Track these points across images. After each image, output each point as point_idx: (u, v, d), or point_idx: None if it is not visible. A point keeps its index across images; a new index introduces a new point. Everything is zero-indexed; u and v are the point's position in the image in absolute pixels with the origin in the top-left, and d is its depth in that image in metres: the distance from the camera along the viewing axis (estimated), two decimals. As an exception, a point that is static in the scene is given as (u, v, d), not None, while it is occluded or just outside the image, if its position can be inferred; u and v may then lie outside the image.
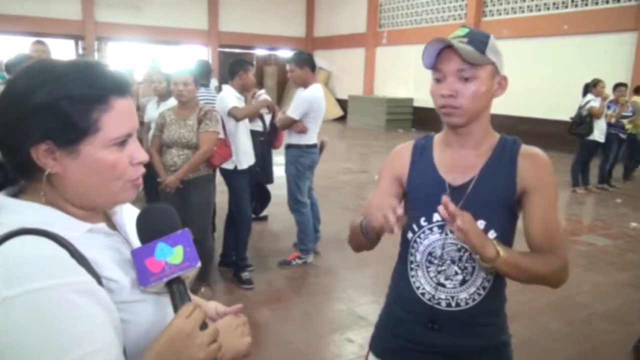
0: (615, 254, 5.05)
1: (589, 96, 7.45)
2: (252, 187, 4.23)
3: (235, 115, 3.88)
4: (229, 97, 3.93)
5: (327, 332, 3.31)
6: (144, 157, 0.87)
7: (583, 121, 7.42)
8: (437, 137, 1.40)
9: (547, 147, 8.28)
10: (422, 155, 1.38)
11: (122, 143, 0.83)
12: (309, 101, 4.13)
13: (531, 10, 12.17)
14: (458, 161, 1.31)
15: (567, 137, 8.00)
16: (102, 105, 0.80)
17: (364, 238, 1.31)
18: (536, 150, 1.31)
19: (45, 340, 0.69)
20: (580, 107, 7.50)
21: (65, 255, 0.75)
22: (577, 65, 10.87)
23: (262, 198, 4.41)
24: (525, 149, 1.31)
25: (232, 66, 4.07)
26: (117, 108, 0.82)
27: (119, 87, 0.83)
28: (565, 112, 8.26)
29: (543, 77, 11.72)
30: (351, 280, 4.12)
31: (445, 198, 1.13)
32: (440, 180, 1.31)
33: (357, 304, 3.63)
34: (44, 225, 0.77)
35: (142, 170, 0.89)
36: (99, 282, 0.78)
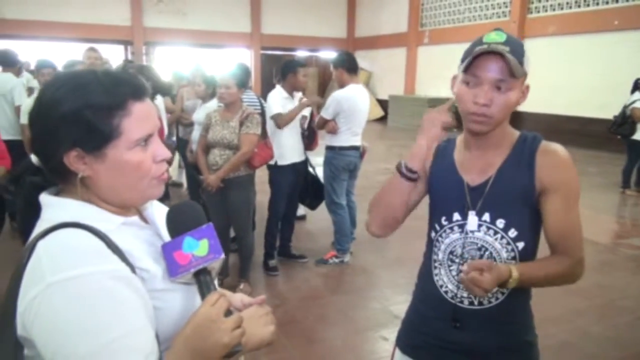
0: (664, 258, 4.85)
1: (637, 94, 7.10)
2: (302, 183, 4.41)
3: (277, 123, 4.08)
4: (275, 99, 4.13)
5: (362, 330, 3.36)
6: (166, 154, 0.94)
7: (625, 121, 7.07)
8: (459, 139, 1.42)
9: (595, 147, 8.02)
10: (443, 157, 1.40)
11: (144, 143, 0.90)
12: (338, 100, 4.20)
13: (579, 6, 11.73)
14: (476, 161, 1.33)
15: (617, 137, 7.67)
16: (121, 111, 0.86)
17: (406, 182, 1.32)
18: (555, 146, 1.29)
19: (85, 322, 0.76)
20: (625, 106, 7.16)
21: (102, 245, 0.83)
22: (628, 62, 10.39)
23: (317, 193, 4.52)
24: (545, 145, 1.29)
25: (283, 68, 4.26)
26: (135, 112, 0.88)
27: (135, 92, 0.89)
28: (615, 111, 7.94)
29: (592, 75, 11.27)
30: (387, 280, 4.15)
31: (464, 271, 1.18)
32: (459, 181, 1.33)
33: (392, 303, 3.66)
34: (82, 220, 0.85)
35: (166, 166, 0.95)
36: (133, 271, 0.84)
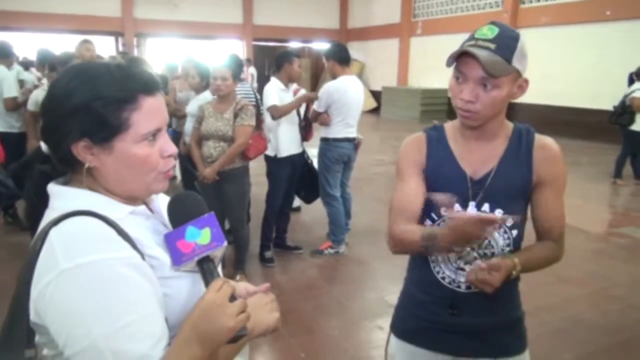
0: (655, 246, 4.92)
1: (636, 85, 7.09)
2: (301, 175, 4.42)
3: (272, 114, 4.06)
4: (271, 91, 4.10)
5: (358, 319, 3.39)
6: (173, 150, 0.96)
7: (625, 111, 7.08)
8: (449, 127, 1.43)
9: (588, 138, 8.05)
10: (438, 147, 1.40)
11: (152, 138, 0.91)
12: (329, 92, 4.21)
13: (571, -4, 11.77)
14: (476, 153, 1.35)
15: (609, 127, 7.68)
16: (131, 105, 0.88)
17: (424, 252, 1.34)
18: (549, 140, 1.36)
19: (99, 307, 0.78)
20: (625, 96, 7.16)
21: (113, 233, 0.85)
22: (620, 52, 10.47)
23: (313, 185, 4.52)
24: (540, 139, 1.35)
25: (278, 59, 4.24)
26: (145, 106, 0.89)
27: (146, 86, 0.90)
28: (607, 102, 7.97)
29: (584, 66, 11.34)
30: (381, 270, 4.18)
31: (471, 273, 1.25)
32: (462, 174, 1.35)
33: (387, 293, 3.70)
34: (92, 208, 0.87)
35: (173, 162, 0.97)
36: (143, 258, 0.87)
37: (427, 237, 1.28)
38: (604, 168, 7.96)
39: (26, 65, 8.17)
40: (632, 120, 7.05)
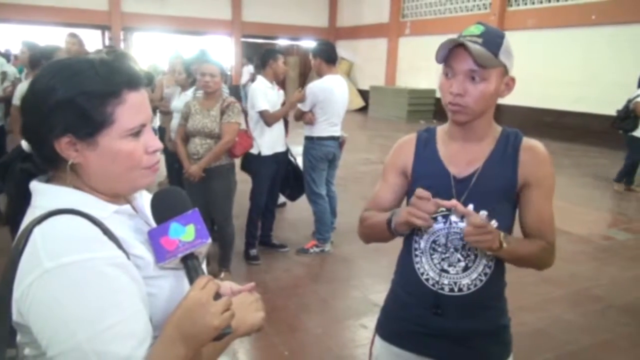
0: (635, 248, 4.99)
1: None
2: (285, 173, 4.41)
3: (267, 121, 4.05)
4: (259, 92, 4.08)
5: (342, 318, 3.40)
6: (158, 145, 0.94)
7: (628, 116, 6.89)
8: (440, 130, 1.45)
9: (570, 140, 8.07)
10: (426, 148, 1.43)
11: (136, 133, 0.90)
12: (314, 92, 4.22)
13: (558, 0, 11.90)
14: (462, 154, 1.37)
15: (592, 129, 7.75)
16: (115, 99, 0.86)
17: (390, 235, 1.36)
18: (536, 143, 1.36)
19: (83, 308, 0.77)
20: (629, 101, 6.98)
21: (98, 232, 0.83)
22: (605, 56, 10.60)
23: (297, 183, 4.51)
24: (527, 142, 1.36)
25: (263, 57, 4.23)
26: (129, 101, 0.88)
27: (131, 81, 0.89)
28: (591, 105, 8.01)
29: (569, 69, 11.46)
30: (367, 269, 4.20)
31: (454, 202, 1.22)
32: (445, 172, 1.36)
33: (372, 292, 3.71)
34: (76, 206, 0.85)
35: (158, 157, 0.96)
36: (128, 258, 0.86)
37: (392, 212, 1.35)
38: (586, 170, 8.07)
39: (8, 57, 8.04)
40: (635, 126, 6.85)
